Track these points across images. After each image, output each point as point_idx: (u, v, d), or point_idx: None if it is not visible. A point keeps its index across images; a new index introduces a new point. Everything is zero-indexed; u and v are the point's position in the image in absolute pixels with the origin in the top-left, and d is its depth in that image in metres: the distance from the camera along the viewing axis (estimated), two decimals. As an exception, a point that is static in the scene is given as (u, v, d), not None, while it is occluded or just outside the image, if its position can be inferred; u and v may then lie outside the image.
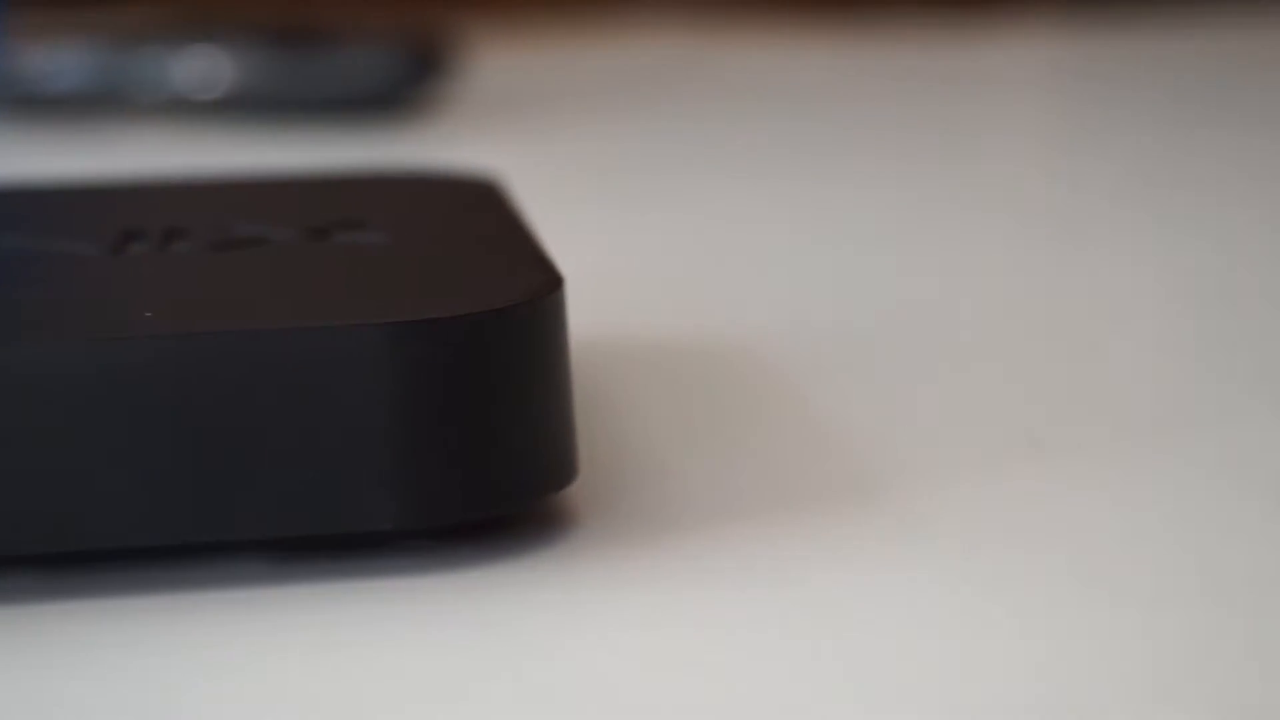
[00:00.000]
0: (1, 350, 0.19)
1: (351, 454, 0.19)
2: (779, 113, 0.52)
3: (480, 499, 0.19)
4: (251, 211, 0.25)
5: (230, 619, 0.18)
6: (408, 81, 0.49)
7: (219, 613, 0.19)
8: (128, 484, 0.19)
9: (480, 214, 0.25)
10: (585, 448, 0.21)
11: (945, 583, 0.19)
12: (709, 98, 0.54)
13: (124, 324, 0.19)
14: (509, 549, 0.20)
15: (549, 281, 0.20)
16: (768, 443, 0.23)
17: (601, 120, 0.50)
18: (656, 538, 0.20)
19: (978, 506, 0.21)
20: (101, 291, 0.21)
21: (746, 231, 0.37)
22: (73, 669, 0.18)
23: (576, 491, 0.21)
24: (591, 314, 0.26)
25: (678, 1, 0.71)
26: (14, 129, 0.47)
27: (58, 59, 0.47)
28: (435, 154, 0.38)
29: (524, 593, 0.19)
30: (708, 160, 0.45)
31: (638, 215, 0.39)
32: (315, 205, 0.26)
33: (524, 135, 0.48)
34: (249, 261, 0.22)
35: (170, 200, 0.27)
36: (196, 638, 0.18)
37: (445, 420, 0.19)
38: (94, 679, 0.17)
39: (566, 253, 0.24)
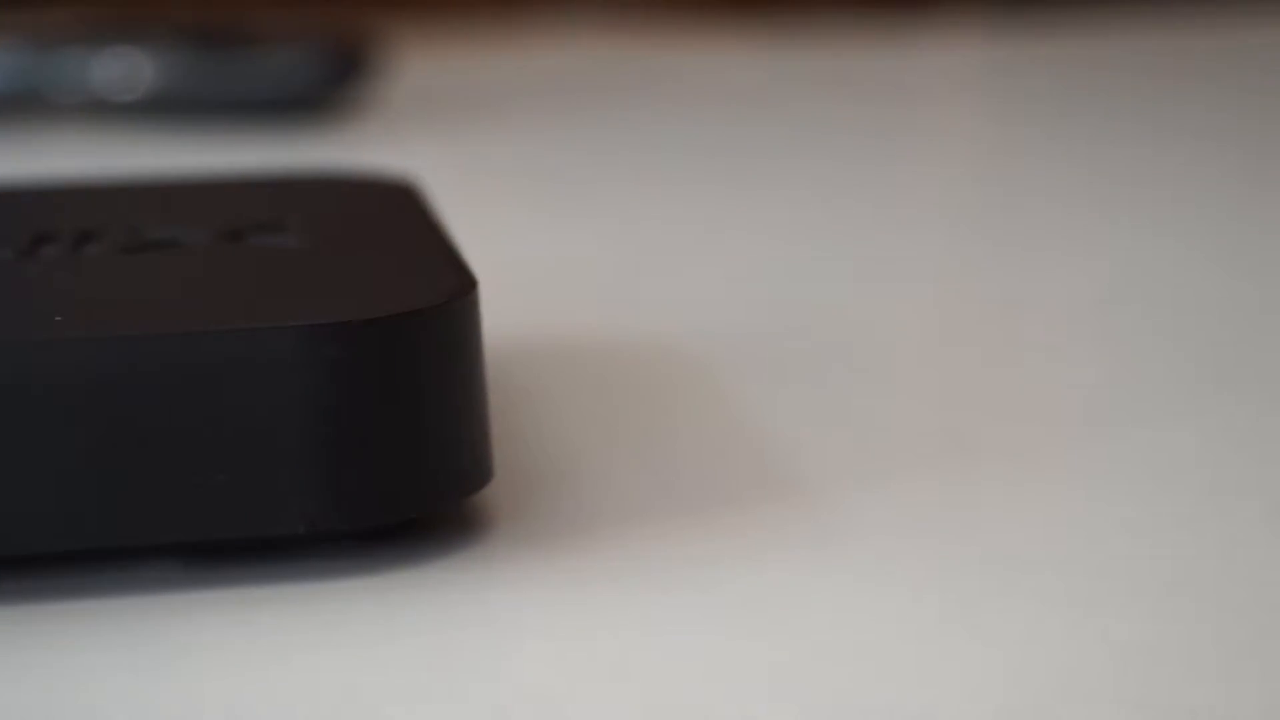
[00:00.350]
0: None
1: (265, 457, 0.19)
2: (705, 116, 0.52)
3: (395, 502, 0.19)
4: (166, 214, 0.25)
5: (144, 625, 0.18)
6: (330, 83, 0.49)
7: (133, 619, 0.19)
8: (38, 489, 0.19)
9: (396, 216, 0.25)
10: (501, 450, 0.21)
11: (864, 584, 0.19)
12: (633, 100, 0.54)
13: (33, 327, 0.19)
14: (423, 552, 0.20)
15: (463, 284, 0.20)
16: (686, 444, 0.23)
17: (525, 123, 0.51)
18: (572, 540, 0.20)
19: (899, 508, 0.21)
20: (10, 295, 0.21)
21: (669, 234, 0.37)
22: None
23: (492, 494, 0.21)
24: (508, 317, 0.26)
25: (604, 3, 0.71)
26: None
27: None
28: (357, 155, 0.38)
29: (439, 596, 0.19)
30: (631, 163, 0.45)
31: (559, 218, 0.39)
32: (231, 208, 0.26)
33: (446, 137, 0.48)
34: (162, 264, 0.22)
35: (85, 203, 0.27)
36: (109, 643, 0.18)
37: (359, 423, 0.19)
38: (8, 683, 0.17)
39: (485, 256, 0.24)
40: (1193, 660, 0.17)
